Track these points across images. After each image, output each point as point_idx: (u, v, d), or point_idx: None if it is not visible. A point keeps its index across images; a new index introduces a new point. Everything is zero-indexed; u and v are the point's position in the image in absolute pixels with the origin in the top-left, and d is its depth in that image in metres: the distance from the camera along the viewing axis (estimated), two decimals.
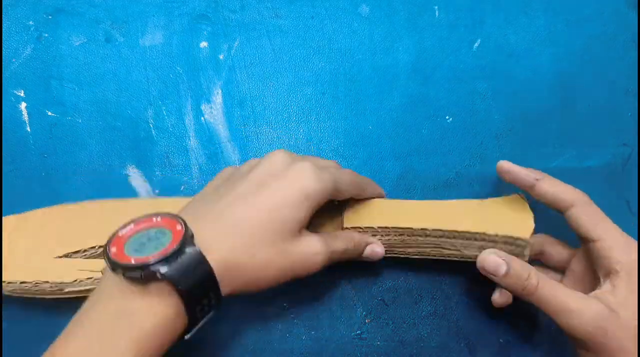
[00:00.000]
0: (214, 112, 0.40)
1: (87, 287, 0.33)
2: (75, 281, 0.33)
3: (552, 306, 0.30)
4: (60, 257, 0.34)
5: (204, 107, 0.40)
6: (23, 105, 0.39)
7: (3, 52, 0.39)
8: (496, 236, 0.33)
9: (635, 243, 0.32)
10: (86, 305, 0.27)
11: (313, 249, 0.31)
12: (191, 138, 0.39)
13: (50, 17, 0.40)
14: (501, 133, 0.41)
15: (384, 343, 0.38)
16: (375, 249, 0.35)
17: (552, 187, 0.34)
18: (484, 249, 0.33)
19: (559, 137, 0.41)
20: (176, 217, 0.28)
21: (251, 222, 0.29)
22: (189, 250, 0.26)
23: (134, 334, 0.25)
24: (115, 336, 0.25)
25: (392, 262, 0.39)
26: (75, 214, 0.36)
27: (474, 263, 0.33)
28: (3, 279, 0.33)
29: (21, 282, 0.33)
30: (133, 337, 0.25)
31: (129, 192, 0.38)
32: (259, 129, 0.40)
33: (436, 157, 0.41)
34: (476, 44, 0.42)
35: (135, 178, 0.39)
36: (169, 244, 0.26)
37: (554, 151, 0.41)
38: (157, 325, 0.25)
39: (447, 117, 0.41)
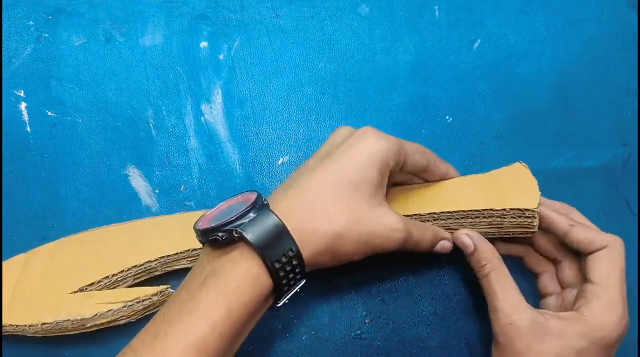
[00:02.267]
0: (214, 112, 0.40)
1: (109, 319, 0.34)
2: (96, 314, 0.33)
3: (488, 296, 0.33)
4: (75, 292, 0.34)
5: (204, 107, 0.40)
6: (23, 105, 0.39)
7: (3, 52, 0.39)
8: (504, 210, 0.33)
9: (621, 319, 0.31)
10: (182, 283, 0.29)
11: (391, 224, 0.30)
12: (191, 138, 0.40)
13: (50, 17, 0.40)
14: (501, 133, 0.41)
15: (384, 343, 0.38)
16: (446, 244, 0.35)
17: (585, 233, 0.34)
18: (492, 225, 0.34)
19: (559, 137, 0.41)
20: (252, 191, 0.30)
21: (321, 188, 0.29)
22: (261, 211, 0.28)
23: (221, 288, 0.26)
24: (205, 292, 0.26)
25: (392, 262, 0.39)
26: (79, 246, 0.36)
27: None
28: (25, 323, 0.33)
29: (42, 324, 0.33)
30: (220, 291, 0.26)
31: (129, 192, 0.38)
32: (259, 129, 0.40)
33: None
34: (476, 44, 0.42)
35: (135, 178, 0.39)
36: (244, 207, 0.28)
37: (554, 151, 0.41)
38: (242, 281, 0.27)
39: (447, 117, 0.41)
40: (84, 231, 0.36)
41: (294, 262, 0.28)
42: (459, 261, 0.37)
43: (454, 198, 0.35)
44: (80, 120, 0.39)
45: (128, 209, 0.38)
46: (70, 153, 0.39)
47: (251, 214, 0.28)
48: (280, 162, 0.40)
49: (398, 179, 0.36)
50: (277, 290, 0.28)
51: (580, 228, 0.33)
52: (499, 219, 0.34)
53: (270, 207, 0.29)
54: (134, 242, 0.35)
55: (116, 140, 0.39)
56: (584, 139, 0.41)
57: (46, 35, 0.39)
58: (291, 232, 0.28)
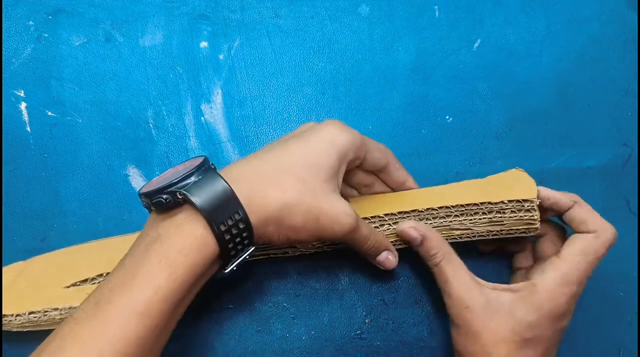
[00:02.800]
0: (214, 112, 0.40)
1: None
2: None
3: (441, 283, 0.34)
4: (69, 286, 0.34)
5: (204, 107, 0.40)
6: (23, 105, 0.39)
7: (3, 52, 0.39)
8: (502, 203, 0.33)
9: (570, 297, 0.32)
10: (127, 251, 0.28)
11: (343, 207, 0.30)
12: (191, 138, 0.39)
13: (50, 17, 0.40)
14: (501, 133, 0.41)
15: (384, 343, 0.38)
16: (390, 256, 0.35)
17: (550, 193, 0.34)
18: (493, 221, 0.34)
19: (559, 137, 0.41)
20: (199, 156, 0.30)
21: (279, 161, 0.29)
22: (207, 174, 0.27)
23: (164, 251, 0.26)
24: (148, 255, 0.26)
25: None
26: (72, 255, 0.36)
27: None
28: (12, 312, 0.33)
29: (30, 313, 0.33)
30: (163, 254, 0.26)
31: (129, 192, 0.38)
32: (259, 129, 0.40)
33: (436, 157, 0.41)
34: (476, 44, 0.42)
35: (135, 178, 0.39)
36: (187, 171, 0.28)
37: (554, 151, 0.41)
38: (185, 244, 0.26)
39: (447, 117, 0.41)
40: (91, 240, 0.37)
41: (241, 226, 0.27)
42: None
43: (452, 196, 0.35)
44: (80, 120, 0.39)
45: (128, 209, 0.38)
46: (70, 153, 0.39)
47: (194, 177, 0.27)
48: None
49: (355, 180, 0.36)
50: (224, 255, 0.28)
51: (581, 208, 0.33)
52: (499, 215, 0.34)
53: (220, 173, 0.28)
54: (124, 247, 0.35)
55: (116, 140, 0.39)
56: (584, 139, 0.41)
57: (46, 35, 0.39)
58: (239, 198, 0.27)
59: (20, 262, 0.36)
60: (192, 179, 0.27)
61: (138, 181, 0.39)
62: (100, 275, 0.34)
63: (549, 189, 0.34)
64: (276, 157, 0.30)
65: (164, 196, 0.27)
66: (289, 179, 0.29)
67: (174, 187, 0.27)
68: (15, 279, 0.34)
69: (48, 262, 0.35)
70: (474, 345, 0.31)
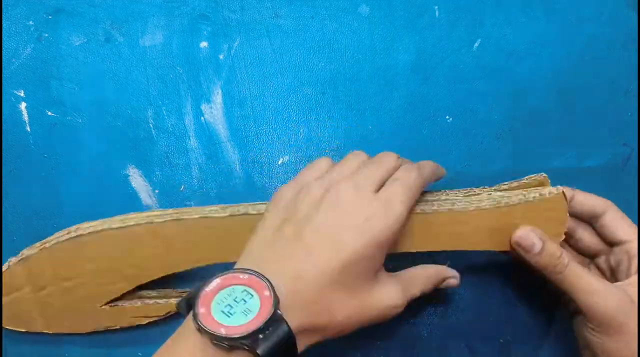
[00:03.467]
0: (214, 112, 0.40)
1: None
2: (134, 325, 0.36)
3: (577, 286, 0.31)
4: (104, 305, 0.35)
5: (204, 107, 0.40)
6: (23, 105, 0.39)
7: (3, 52, 0.39)
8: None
9: None
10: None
11: (391, 301, 0.29)
12: (191, 138, 0.39)
13: (50, 17, 0.40)
14: (501, 133, 0.41)
15: (384, 343, 0.38)
16: (450, 282, 0.34)
17: (585, 198, 0.35)
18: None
19: (559, 137, 0.41)
20: (263, 279, 0.26)
21: (325, 280, 0.27)
22: (278, 326, 0.25)
23: None
24: None
25: (392, 262, 0.39)
26: (76, 255, 0.35)
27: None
28: (65, 331, 0.35)
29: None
30: None
31: (129, 192, 0.38)
32: (259, 129, 0.40)
33: (436, 157, 0.40)
34: (476, 44, 0.42)
35: (135, 178, 0.39)
36: (258, 313, 0.25)
37: (554, 151, 0.41)
38: None
39: (447, 117, 0.41)
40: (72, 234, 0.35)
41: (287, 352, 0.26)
42: (459, 260, 0.37)
43: (467, 237, 0.34)
44: (80, 120, 0.39)
45: (128, 209, 0.38)
46: (70, 153, 0.39)
47: (267, 331, 0.25)
48: (280, 162, 0.40)
49: None
50: None
51: (614, 213, 0.34)
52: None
53: (281, 304, 0.26)
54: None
55: (116, 140, 0.39)
56: (584, 139, 0.41)
57: (46, 35, 0.39)
58: (296, 334, 0.26)
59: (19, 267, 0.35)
60: (262, 333, 0.25)
61: (138, 181, 0.39)
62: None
63: (585, 194, 0.34)
64: (322, 275, 0.27)
65: (226, 343, 0.25)
66: (338, 301, 0.27)
67: (241, 341, 0.25)
68: (36, 297, 0.34)
69: (52, 269, 0.34)
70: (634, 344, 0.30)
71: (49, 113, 0.39)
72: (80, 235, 0.33)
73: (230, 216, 0.33)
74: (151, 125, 0.39)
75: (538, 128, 0.41)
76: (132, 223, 0.33)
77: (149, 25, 0.40)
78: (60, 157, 0.38)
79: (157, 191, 0.39)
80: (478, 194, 0.35)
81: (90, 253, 0.34)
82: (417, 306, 0.39)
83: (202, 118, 0.40)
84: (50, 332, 0.35)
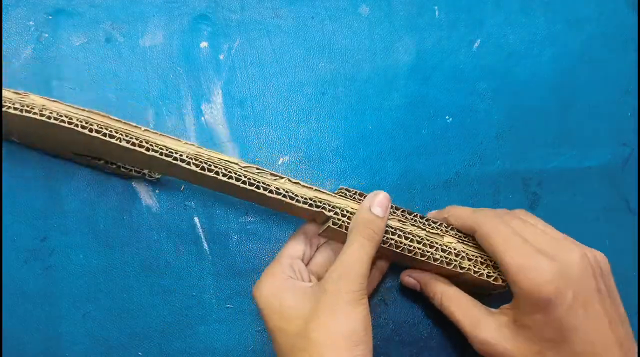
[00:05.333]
0: (214, 112, 0.40)
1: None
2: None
3: (454, 318, 0.34)
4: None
5: (204, 107, 0.40)
6: None
7: (3, 52, 0.39)
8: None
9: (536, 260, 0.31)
10: None
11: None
12: (191, 138, 0.39)
13: (50, 17, 0.40)
14: (501, 133, 0.41)
15: (384, 343, 0.38)
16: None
17: (457, 217, 0.35)
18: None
19: (559, 137, 0.41)
20: None
21: None
22: None
23: None
24: None
25: (392, 262, 0.39)
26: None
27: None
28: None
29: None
30: None
31: (129, 192, 0.38)
32: (259, 129, 0.40)
33: (436, 157, 0.41)
34: (476, 44, 0.42)
35: (136, 178, 0.39)
36: None
37: (554, 151, 0.41)
38: None
39: (447, 117, 0.41)
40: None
41: None
42: None
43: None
44: None
45: (128, 209, 0.38)
46: None
47: None
48: (280, 162, 0.40)
49: None
50: None
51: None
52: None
53: None
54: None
55: None
56: (584, 139, 0.41)
57: (46, 35, 0.39)
58: None
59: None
60: None
61: (138, 181, 0.39)
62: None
63: (458, 210, 0.35)
64: None
65: None
66: None
67: None
68: None
69: None
70: None
71: None
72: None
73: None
74: (151, 125, 0.39)
75: (538, 128, 0.41)
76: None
77: (149, 26, 0.40)
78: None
79: (157, 191, 0.39)
80: (441, 235, 0.35)
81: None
82: (417, 306, 0.39)
83: (202, 118, 0.40)
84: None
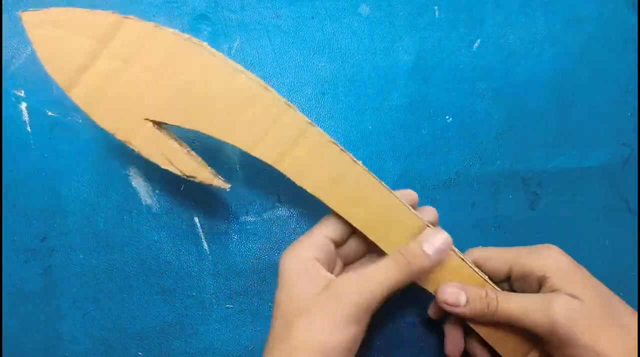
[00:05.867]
0: None
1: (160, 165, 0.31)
2: (157, 163, 0.31)
3: (515, 312, 0.29)
4: (149, 120, 0.30)
5: None
6: (23, 105, 0.39)
7: (3, 52, 0.39)
8: None
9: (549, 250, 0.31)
10: None
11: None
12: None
13: None
14: (501, 133, 0.41)
15: (384, 343, 0.38)
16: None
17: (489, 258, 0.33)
18: None
19: (559, 137, 0.41)
20: None
21: None
22: None
23: None
24: None
25: None
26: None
27: None
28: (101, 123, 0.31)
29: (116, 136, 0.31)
30: None
31: (130, 191, 0.38)
32: None
33: (436, 157, 0.41)
34: (476, 44, 0.42)
35: (136, 178, 0.39)
36: None
37: (554, 151, 0.41)
38: None
39: (447, 117, 0.41)
40: None
41: None
42: None
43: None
44: (80, 120, 0.39)
45: (128, 209, 0.38)
46: (70, 153, 0.39)
47: None
48: None
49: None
50: None
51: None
52: None
53: None
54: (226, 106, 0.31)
55: (116, 140, 0.39)
56: (584, 139, 0.41)
57: None
58: None
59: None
60: None
61: (138, 181, 0.39)
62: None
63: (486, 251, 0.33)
64: None
65: None
66: None
67: None
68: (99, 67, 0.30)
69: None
70: None
71: (49, 113, 0.39)
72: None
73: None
74: None
75: (538, 128, 0.41)
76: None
77: None
78: (60, 157, 0.38)
79: (157, 191, 0.39)
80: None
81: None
82: (417, 306, 0.39)
83: None
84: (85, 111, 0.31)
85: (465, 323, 0.33)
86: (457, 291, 0.30)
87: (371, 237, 0.31)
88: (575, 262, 0.30)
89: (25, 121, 0.39)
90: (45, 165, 0.38)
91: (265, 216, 0.39)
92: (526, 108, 0.41)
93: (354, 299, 0.28)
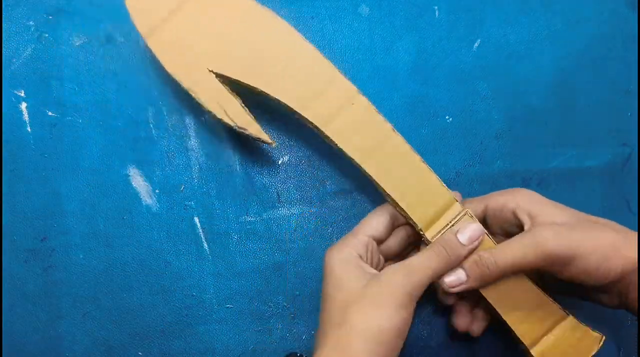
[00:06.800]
0: None
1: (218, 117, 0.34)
2: (210, 113, 0.34)
3: (512, 260, 0.31)
4: (211, 71, 0.34)
5: None
6: (23, 105, 0.39)
7: (3, 52, 0.39)
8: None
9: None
10: None
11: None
12: (191, 138, 0.40)
13: (50, 17, 0.40)
14: (501, 133, 0.41)
15: None
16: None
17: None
18: None
19: (559, 137, 0.41)
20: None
21: None
22: None
23: None
24: None
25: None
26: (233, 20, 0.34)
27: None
28: (169, 67, 0.34)
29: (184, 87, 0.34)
30: None
31: (130, 192, 0.39)
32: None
33: (436, 157, 0.41)
34: (476, 44, 0.42)
35: (136, 178, 0.39)
36: None
37: (554, 151, 0.41)
38: None
39: (447, 117, 0.41)
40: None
41: None
42: None
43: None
44: (80, 120, 0.39)
45: (128, 209, 0.38)
46: (70, 153, 0.39)
47: None
48: (280, 162, 0.40)
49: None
50: None
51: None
52: None
53: None
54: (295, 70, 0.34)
55: (116, 140, 0.39)
56: (584, 139, 0.41)
57: (46, 35, 0.39)
58: None
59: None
60: None
61: (138, 181, 0.39)
62: (226, 77, 0.34)
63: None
64: None
65: None
66: None
67: None
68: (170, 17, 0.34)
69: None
70: None
71: (50, 113, 0.39)
72: None
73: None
74: (151, 125, 0.39)
75: (538, 128, 0.41)
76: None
77: None
78: (60, 157, 0.39)
79: (157, 191, 0.39)
80: None
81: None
82: (417, 305, 0.39)
83: (202, 118, 0.40)
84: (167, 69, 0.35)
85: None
86: (454, 273, 0.32)
87: (402, 204, 0.33)
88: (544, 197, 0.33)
89: (25, 121, 0.39)
90: (45, 165, 0.38)
91: (265, 215, 0.39)
92: (526, 108, 0.41)
93: (402, 288, 0.30)
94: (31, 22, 0.39)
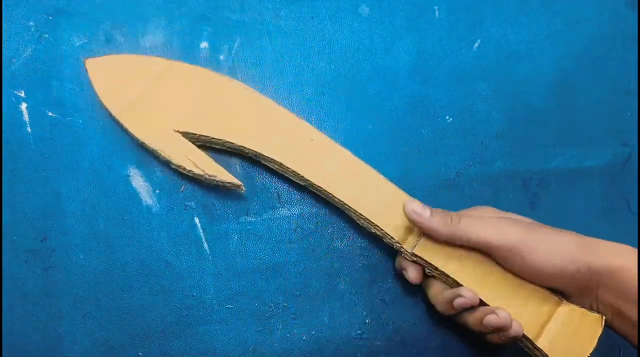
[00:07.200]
0: None
1: (181, 170, 0.37)
2: (180, 166, 0.37)
3: (474, 231, 0.33)
4: (178, 131, 0.37)
5: None
6: (23, 105, 0.39)
7: (3, 53, 0.39)
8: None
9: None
10: None
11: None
12: None
13: (50, 17, 0.40)
14: (501, 133, 0.41)
15: (384, 343, 0.38)
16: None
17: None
18: None
19: (559, 137, 0.41)
20: None
21: None
22: None
23: None
24: None
25: (392, 262, 0.39)
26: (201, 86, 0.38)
27: None
28: (132, 131, 0.37)
29: (142, 142, 0.37)
30: None
31: (130, 192, 0.38)
32: None
33: (436, 157, 0.41)
34: (476, 44, 0.42)
35: (136, 178, 0.39)
36: None
37: (554, 151, 0.41)
38: None
39: (447, 117, 0.41)
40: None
41: None
42: None
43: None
44: (80, 121, 0.39)
45: (129, 209, 0.38)
46: (70, 153, 0.39)
47: None
48: None
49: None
50: None
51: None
52: None
53: None
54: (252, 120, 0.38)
55: (117, 140, 0.39)
56: (584, 139, 0.41)
57: (46, 35, 0.39)
58: None
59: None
60: None
61: (139, 181, 0.39)
62: (206, 137, 0.37)
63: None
64: None
65: None
66: None
67: None
68: (146, 87, 0.37)
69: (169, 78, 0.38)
70: None
71: (50, 113, 0.39)
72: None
73: None
74: None
75: (538, 128, 0.41)
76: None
77: (150, 26, 0.40)
78: (60, 157, 0.38)
79: (157, 191, 0.39)
80: None
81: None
82: (417, 306, 0.39)
83: None
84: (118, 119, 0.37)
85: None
86: (422, 206, 0.34)
87: (379, 223, 0.36)
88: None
89: (25, 121, 0.39)
90: (45, 165, 0.38)
91: (265, 215, 0.39)
92: (526, 108, 0.41)
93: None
94: (31, 23, 0.39)
